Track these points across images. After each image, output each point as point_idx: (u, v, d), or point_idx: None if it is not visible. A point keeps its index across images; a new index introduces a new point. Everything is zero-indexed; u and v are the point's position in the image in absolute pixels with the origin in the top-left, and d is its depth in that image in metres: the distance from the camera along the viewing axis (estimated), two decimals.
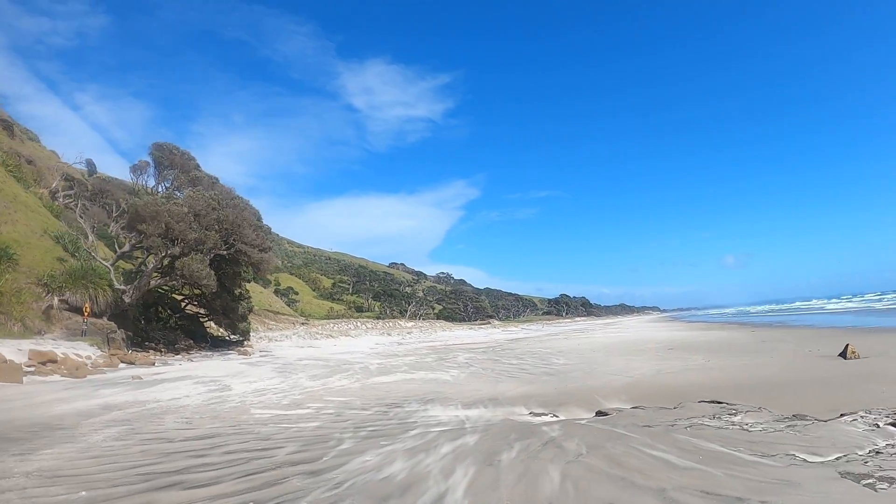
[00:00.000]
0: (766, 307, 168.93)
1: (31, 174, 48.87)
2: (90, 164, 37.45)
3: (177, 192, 34.75)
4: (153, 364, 25.55)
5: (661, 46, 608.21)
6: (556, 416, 11.27)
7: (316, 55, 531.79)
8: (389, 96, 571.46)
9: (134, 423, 10.87)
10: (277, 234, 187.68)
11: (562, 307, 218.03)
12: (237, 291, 40.89)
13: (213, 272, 32.03)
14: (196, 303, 40.08)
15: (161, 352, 32.52)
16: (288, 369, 23.55)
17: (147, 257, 33.02)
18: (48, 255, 30.83)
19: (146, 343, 34.11)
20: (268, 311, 75.38)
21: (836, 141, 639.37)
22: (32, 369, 19.29)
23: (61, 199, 43.94)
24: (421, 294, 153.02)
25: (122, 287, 31.04)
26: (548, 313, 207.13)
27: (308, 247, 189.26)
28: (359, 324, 69.58)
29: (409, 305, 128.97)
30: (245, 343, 41.77)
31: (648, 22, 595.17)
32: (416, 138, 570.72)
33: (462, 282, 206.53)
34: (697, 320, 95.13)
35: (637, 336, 46.95)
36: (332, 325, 65.56)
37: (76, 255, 32.01)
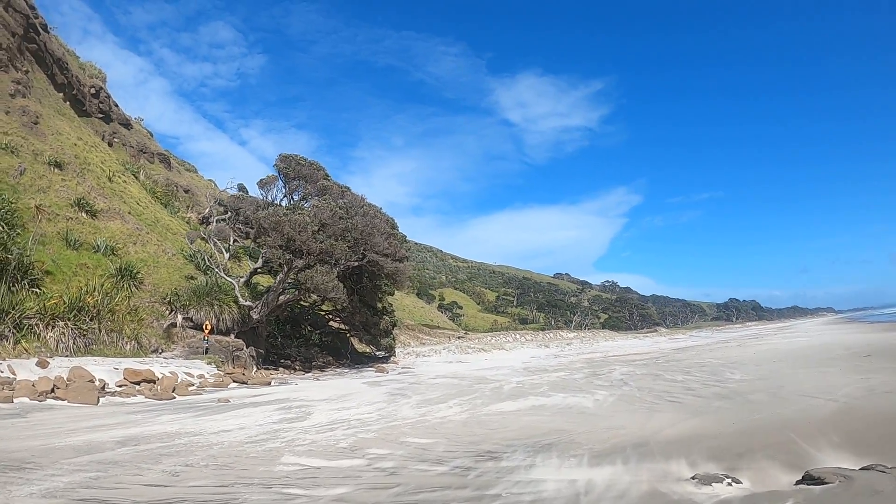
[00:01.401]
0: None
1: (186, 201, 49.69)
2: (241, 188, 35.90)
3: (304, 204, 32.29)
4: (268, 383, 22.99)
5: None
6: (738, 482, 6.79)
7: (468, 74, 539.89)
8: (544, 108, 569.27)
9: (108, 469, 8.08)
10: (440, 250, 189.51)
11: (731, 312, 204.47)
12: (379, 306, 38.36)
13: (341, 285, 29.16)
14: (338, 319, 37.72)
15: (295, 369, 30.61)
16: (408, 391, 20.13)
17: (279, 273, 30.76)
18: (176, 274, 29.79)
19: (282, 361, 32.30)
20: (425, 325, 73.54)
21: None
22: (120, 389, 17.74)
23: (214, 224, 43.73)
24: (586, 304, 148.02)
25: (249, 303, 28.92)
26: (716, 319, 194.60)
27: (472, 261, 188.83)
28: (518, 336, 65.45)
29: (573, 315, 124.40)
30: (391, 359, 39.49)
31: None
32: (573, 148, 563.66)
33: (628, 290, 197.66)
34: (882, 320, 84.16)
35: (820, 341, 40.31)
36: (489, 338, 61.90)
37: (208, 273, 30.39)
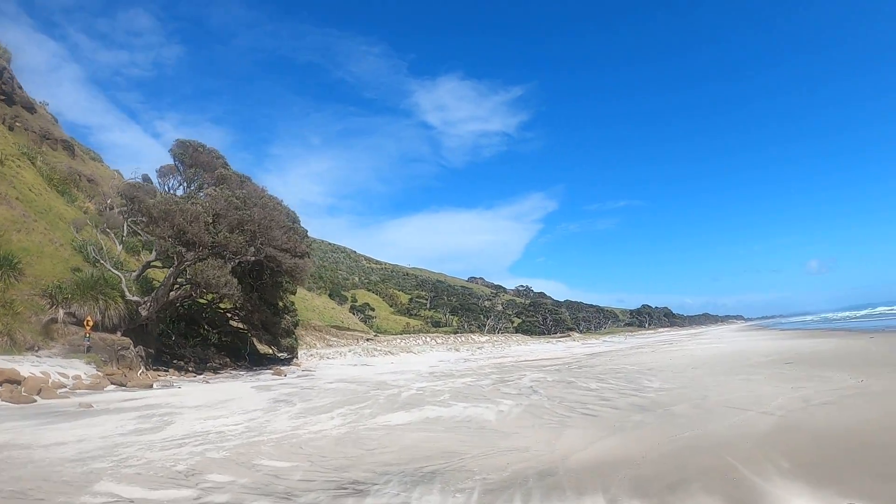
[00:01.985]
0: (863, 312, 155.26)
1: (89, 191, 46.69)
2: (146, 179, 33.27)
3: (200, 194, 30.01)
4: (150, 386, 21.04)
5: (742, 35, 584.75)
6: None
7: (388, 74, 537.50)
8: (463, 112, 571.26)
9: None
10: (354, 251, 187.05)
11: (644, 318, 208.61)
12: (281, 304, 36.67)
13: (235, 280, 27.12)
14: (237, 317, 35.54)
15: (187, 371, 28.38)
16: (295, 397, 18.36)
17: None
18: (62, 266, 27.08)
19: (175, 361, 30.05)
20: (335, 326, 71.62)
21: None
22: None
23: (107, 213, 40.94)
24: (500, 308, 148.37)
25: (137, 298, 26.53)
26: (629, 324, 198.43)
27: (386, 263, 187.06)
28: (429, 339, 64.20)
29: (487, 319, 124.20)
30: (293, 361, 37.61)
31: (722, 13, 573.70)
32: (491, 153, 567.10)
33: (542, 295, 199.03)
34: (792, 328, 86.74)
35: (736, 347, 40.26)
36: (399, 340, 60.44)
37: (98, 266, 27.92)
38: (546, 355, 47.35)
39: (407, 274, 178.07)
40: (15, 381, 16.82)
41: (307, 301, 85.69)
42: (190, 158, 30.93)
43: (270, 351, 38.12)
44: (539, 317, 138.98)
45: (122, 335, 25.55)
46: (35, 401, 15.44)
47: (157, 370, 26.76)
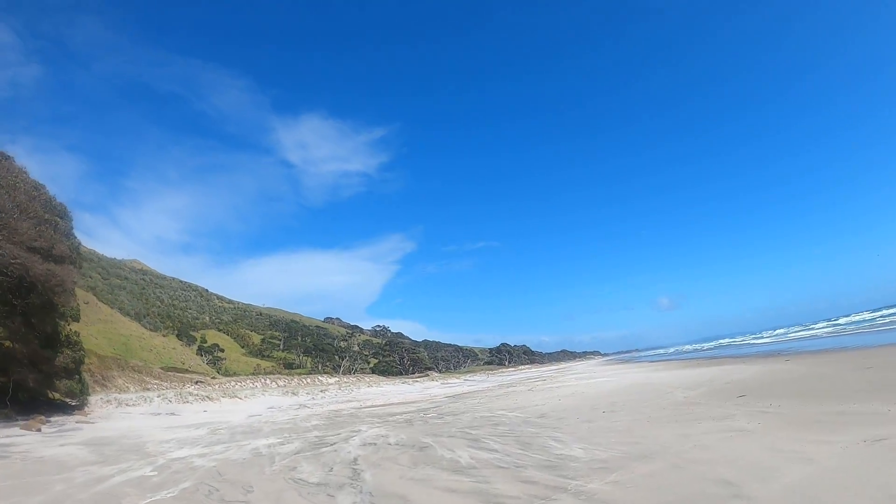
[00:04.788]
0: (712, 343, 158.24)
1: None
2: None
3: None
4: None
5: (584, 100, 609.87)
6: None
7: (251, 110, 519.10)
8: (325, 151, 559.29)
9: None
10: (206, 290, 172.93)
11: (504, 356, 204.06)
12: (62, 334, 27.26)
13: None
14: None
15: None
16: None
17: None
18: None
19: None
20: (174, 368, 61.80)
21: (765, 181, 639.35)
22: None
23: None
24: (356, 348, 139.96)
25: None
26: (489, 363, 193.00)
27: (239, 302, 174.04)
28: (268, 381, 55.21)
29: (342, 360, 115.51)
30: (83, 408, 28.45)
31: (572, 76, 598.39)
32: (351, 193, 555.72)
33: (400, 335, 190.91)
34: (664, 359, 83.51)
35: (632, 380, 32.56)
36: (233, 383, 51.24)
37: None
38: (398, 398, 40.14)
39: (260, 314, 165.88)
40: None
41: (144, 340, 76.59)
42: None
43: (55, 395, 28.54)
44: (396, 356, 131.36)
45: None
46: None
47: None
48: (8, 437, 18.55)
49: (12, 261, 20.24)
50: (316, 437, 17.81)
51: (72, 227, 25.76)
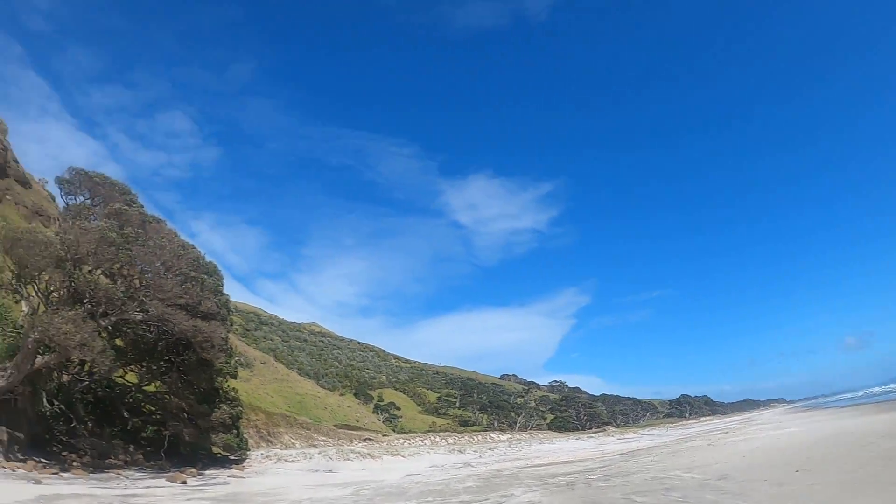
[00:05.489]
0: None
1: None
2: None
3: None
4: None
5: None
6: None
7: (419, 175, 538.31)
8: (494, 209, 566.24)
9: None
10: (383, 350, 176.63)
11: (684, 407, 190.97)
12: (220, 390, 27.45)
13: (101, 342, 17.82)
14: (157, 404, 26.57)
15: (74, 466, 19.65)
16: None
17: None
18: None
19: (65, 453, 21.07)
20: (346, 426, 62.02)
21: None
22: None
23: None
24: (533, 404, 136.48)
25: None
26: (669, 415, 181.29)
27: (416, 362, 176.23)
28: (438, 439, 53.53)
29: (518, 416, 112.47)
30: (241, 462, 28.57)
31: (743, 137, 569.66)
32: (523, 250, 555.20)
33: (577, 389, 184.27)
34: (853, 404, 72.76)
35: (821, 432, 26.71)
36: (402, 441, 50.03)
37: None
38: (568, 456, 36.77)
39: (437, 373, 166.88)
40: None
41: (319, 398, 78.79)
42: (79, 191, 22.62)
43: (217, 450, 29.02)
44: (573, 412, 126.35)
45: None
46: None
47: (35, 461, 18.45)
48: (146, 487, 18.19)
49: (160, 318, 19.84)
50: (461, 501, 15.17)
51: (221, 285, 25.86)
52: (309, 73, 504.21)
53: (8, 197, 44.49)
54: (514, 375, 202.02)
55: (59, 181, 23.33)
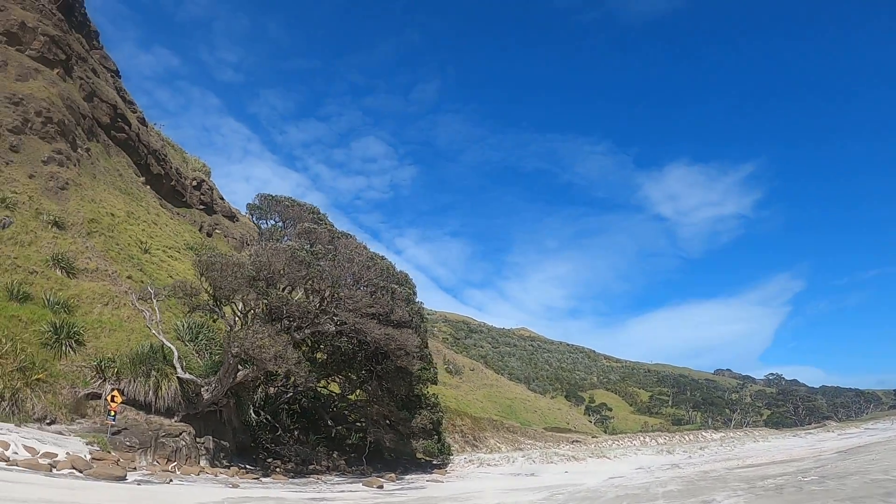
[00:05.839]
0: None
1: None
2: None
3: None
4: (121, 477, 14.58)
5: None
6: None
7: (615, 171, 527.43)
8: (695, 198, 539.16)
9: None
10: (593, 350, 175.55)
11: None
12: (422, 397, 29.49)
13: (297, 354, 20.09)
14: (358, 412, 29.35)
15: (278, 472, 22.33)
16: None
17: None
18: (134, 339, 22.29)
19: (270, 460, 24.10)
20: (556, 428, 63.37)
21: None
22: None
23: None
24: (748, 400, 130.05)
25: (191, 377, 20.44)
26: (894, 407, 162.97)
27: (626, 361, 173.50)
28: (648, 439, 52.57)
29: (733, 413, 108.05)
30: (443, 467, 30.43)
31: None
32: (728, 237, 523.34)
33: (794, 382, 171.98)
34: None
35: None
36: (609, 442, 49.85)
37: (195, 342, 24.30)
38: (782, 455, 35.29)
39: (648, 371, 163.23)
40: None
41: (528, 402, 79.85)
42: (269, 214, 26.06)
43: (420, 455, 31.24)
44: (790, 406, 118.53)
45: (180, 421, 19.95)
46: None
47: (239, 468, 21.02)
48: (340, 491, 19.70)
49: (352, 328, 22.19)
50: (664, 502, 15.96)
51: (413, 294, 27.43)
52: (491, 83, 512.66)
53: (217, 231, 50.12)
54: (728, 370, 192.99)
55: (251, 207, 26.43)
